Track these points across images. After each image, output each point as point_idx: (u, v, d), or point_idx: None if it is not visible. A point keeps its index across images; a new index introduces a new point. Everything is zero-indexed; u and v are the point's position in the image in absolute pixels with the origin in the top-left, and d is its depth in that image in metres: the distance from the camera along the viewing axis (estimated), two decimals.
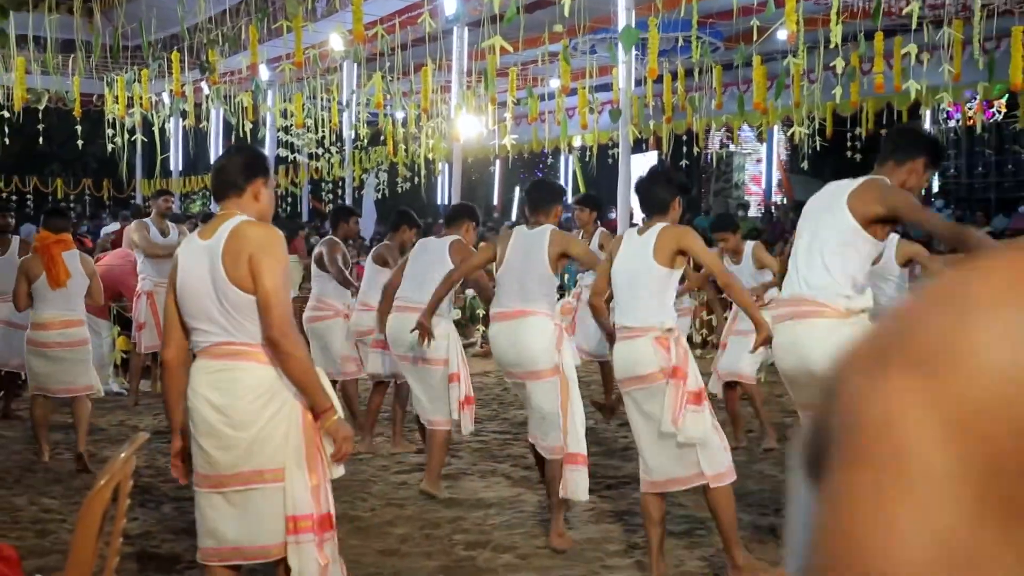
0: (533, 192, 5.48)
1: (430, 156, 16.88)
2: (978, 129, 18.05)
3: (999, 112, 17.69)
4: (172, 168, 21.57)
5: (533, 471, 6.57)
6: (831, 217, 3.84)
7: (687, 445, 4.20)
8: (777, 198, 22.64)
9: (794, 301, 3.92)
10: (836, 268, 3.77)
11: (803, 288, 3.86)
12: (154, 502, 5.85)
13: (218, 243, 3.20)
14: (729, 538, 4.28)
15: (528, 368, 5.02)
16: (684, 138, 15.92)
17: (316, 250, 7.52)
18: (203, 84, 15.47)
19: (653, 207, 4.51)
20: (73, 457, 6.56)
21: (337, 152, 18.23)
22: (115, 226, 14.38)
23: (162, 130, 17.45)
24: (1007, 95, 13.86)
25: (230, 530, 3.24)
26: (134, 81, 15.14)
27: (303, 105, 15.91)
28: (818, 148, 14.14)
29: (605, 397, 7.67)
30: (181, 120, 18.87)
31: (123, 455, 2.86)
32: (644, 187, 4.55)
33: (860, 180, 3.86)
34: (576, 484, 4.89)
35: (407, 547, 5.05)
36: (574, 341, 7.93)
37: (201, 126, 17.84)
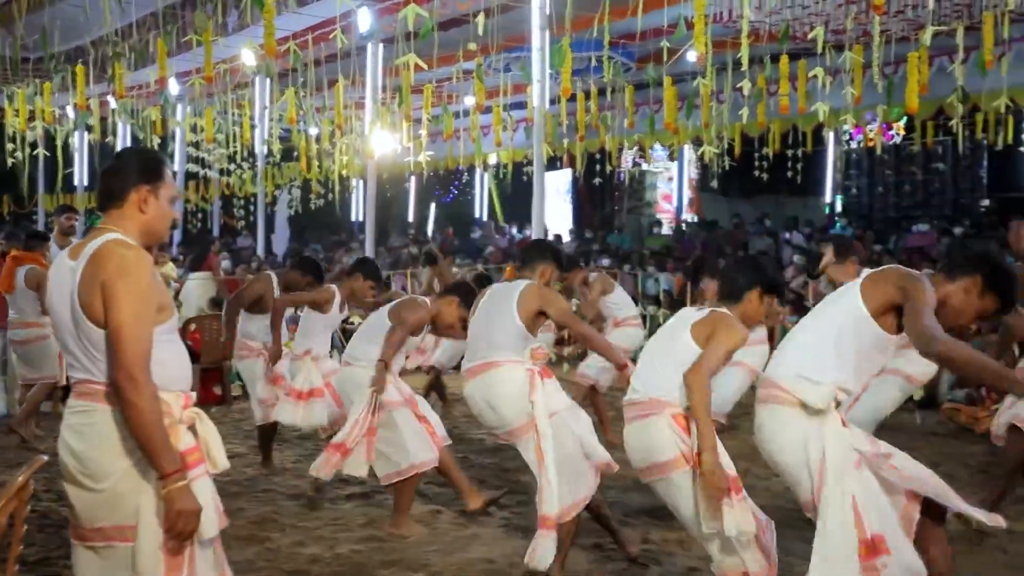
0: (524, 248, 5.46)
1: (344, 172, 16.77)
2: (878, 150, 18.64)
3: (898, 134, 18.25)
4: (76, 183, 20.99)
5: (447, 488, 6.54)
6: None
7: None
8: (688, 216, 23.00)
9: None
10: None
11: None
12: (53, 527, 5.64)
13: (79, 266, 2.74)
14: None
15: (506, 427, 4.79)
16: (597, 156, 16.08)
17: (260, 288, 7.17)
18: (109, 97, 15.12)
19: None
20: None
21: (249, 168, 17.97)
22: None
23: (65, 144, 16.96)
24: (905, 118, 14.29)
25: None
26: (36, 94, 14.74)
27: (214, 120, 15.66)
28: (727, 167, 14.40)
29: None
30: (86, 134, 18.46)
31: (19, 479, 2.76)
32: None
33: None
34: (542, 550, 4.39)
35: (318, 568, 4.97)
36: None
37: (107, 140, 17.41)
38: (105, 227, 2.83)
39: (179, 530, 2.65)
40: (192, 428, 2.82)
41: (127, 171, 2.89)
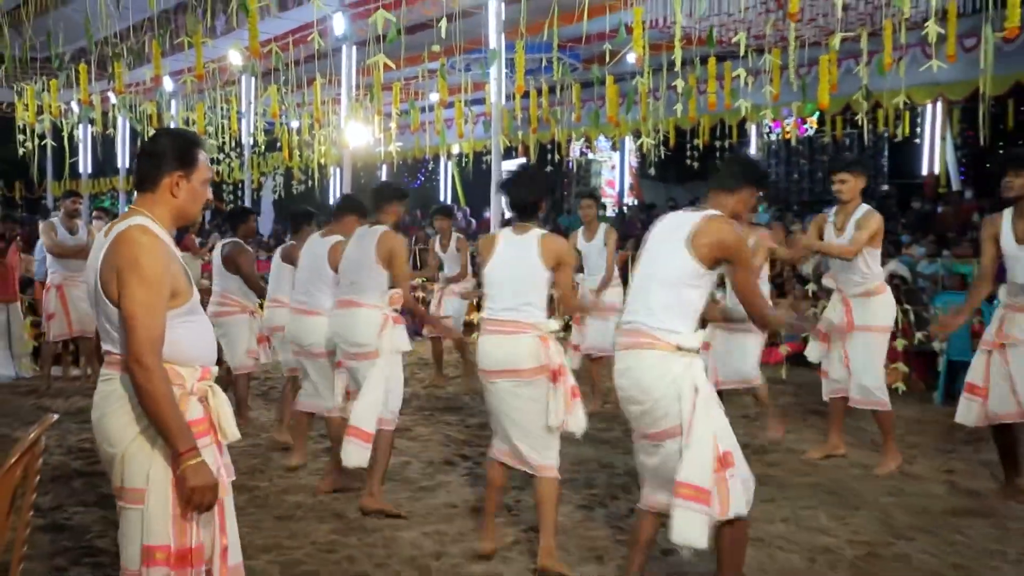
0: (373, 193, 5.37)
1: (322, 161, 16.62)
2: (793, 142, 18.79)
3: (811, 128, 18.41)
4: (81, 171, 20.65)
5: (417, 441, 6.57)
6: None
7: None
8: (629, 200, 23.10)
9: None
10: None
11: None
12: (65, 478, 5.62)
13: (103, 246, 2.63)
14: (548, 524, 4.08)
15: (357, 350, 5.03)
16: (548, 146, 16.08)
17: (224, 251, 7.15)
18: (110, 93, 14.89)
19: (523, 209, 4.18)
20: None
21: (237, 157, 17.75)
22: None
23: (71, 135, 16.68)
24: (817, 113, 14.42)
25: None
26: (43, 90, 14.52)
27: (204, 114, 15.44)
28: (663, 156, 14.46)
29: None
30: (89, 126, 18.17)
31: (32, 435, 2.75)
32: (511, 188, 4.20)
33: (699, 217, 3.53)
34: (348, 453, 4.78)
35: (301, 512, 4.99)
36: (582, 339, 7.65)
37: (108, 132, 17.10)
38: (136, 210, 2.68)
39: (196, 504, 2.56)
40: (204, 400, 2.69)
41: (161, 156, 2.69)
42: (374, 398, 4.88)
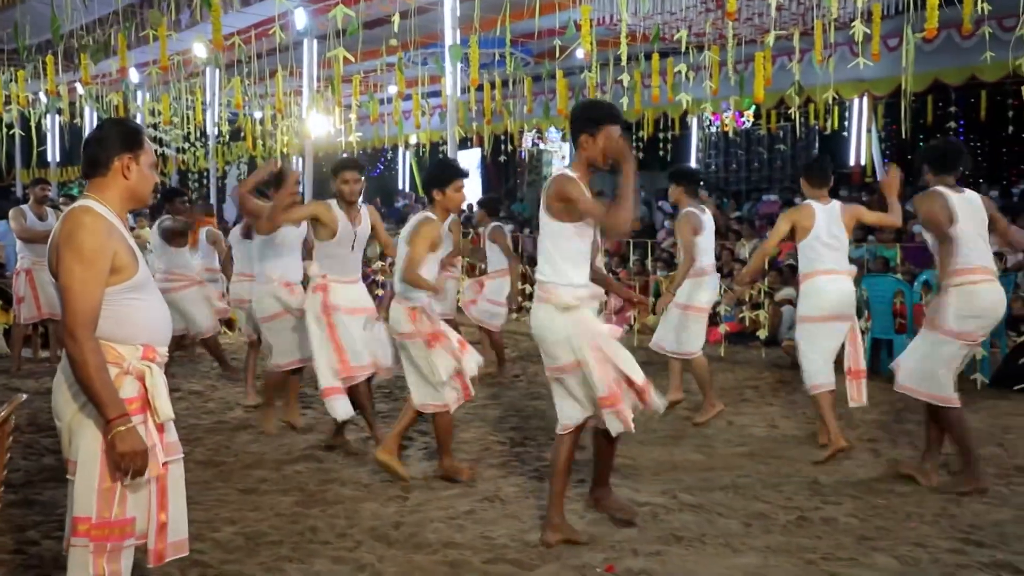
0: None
1: (285, 150, 16.41)
2: (731, 134, 18.95)
3: (748, 120, 18.56)
4: (49, 159, 20.15)
5: (378, 418, 6.54)
6: None
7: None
8: None
9: None
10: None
11: None
12: (36, 455, 5.51)
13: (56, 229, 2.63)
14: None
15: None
16: (502, 137, 16.02)
17: (165, 226, 7.20)
18: (77, 84, 14.54)
19: None
20: None
21: (202, 146, 17.47)
22: None
23: (39, 125, 16.26)
24: (753, 107, 14.55)
25: None
26: (11, 81, 14.14)
27: (170, 104, 15.15)
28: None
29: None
30: (57, 116, 17.75)
31: (2, 414, 2.70)
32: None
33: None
34: (333, 408, 5.39)
35: (266, 486, 4.95)
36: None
37: (75, 122, 16.70)
38: (85, 194, 2.66)
39: (126, 469, 2.50)
40: (142, 380, 2.61)
41: (109, 141, 2.67)
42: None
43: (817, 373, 5.46)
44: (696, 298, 6.46)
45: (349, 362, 5.27)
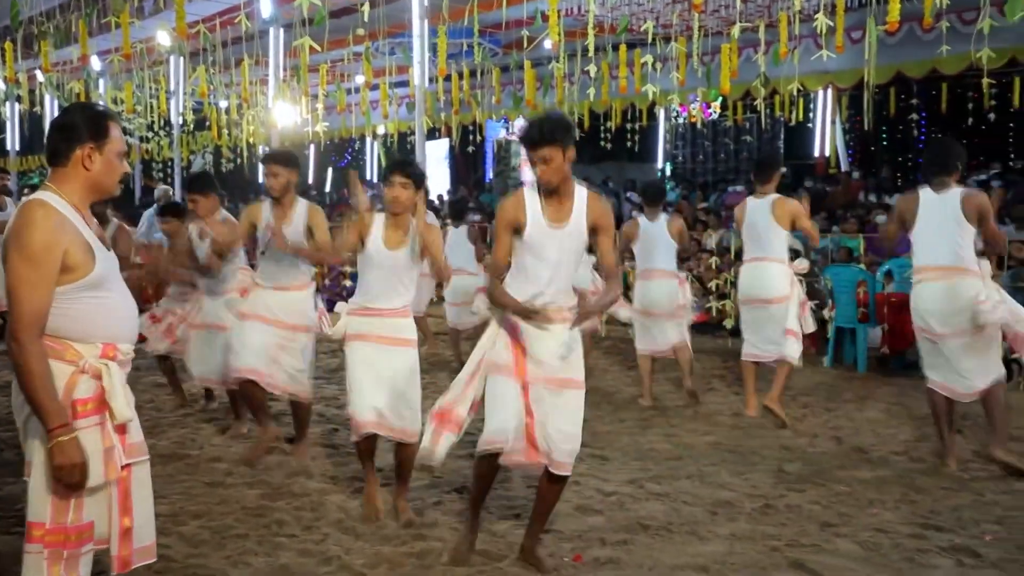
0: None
1: (251, 140, 16.22)
2: (699, 125, 19.04)
3: (715, 112, 18.66)
4: (9, 148, 19.76)
5: (344, 410, 6.50)
6: None
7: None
8: None
9: None
10: None
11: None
12: None
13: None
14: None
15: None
16: (470, 128, 15.96)
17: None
18: (37, 72, 14.24)
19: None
20: None
21: (166, 135, 17.21)
22: None
23: None
24: (719, 98, 14.62)
25: None
26: None
27: (133, 93, 14.89)
28: (578, 137, 14.43)
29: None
30: (16, 104, 17.39)
31: None
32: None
33: None
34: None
35: (232, 479, 4.90)
36: None
37: (35, 110, 16.38)
38: (46, 185, 2.51)
39: (64, 482, 2.39)
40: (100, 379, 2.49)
41: (71, 129, 2.51)
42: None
43: (745, 346, 6.43)
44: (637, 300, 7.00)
45: (232, 362, 5.07)
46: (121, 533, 2.51)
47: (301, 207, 5.11)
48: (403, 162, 4.31)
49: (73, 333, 2.48)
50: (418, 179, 4.20)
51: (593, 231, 3.58)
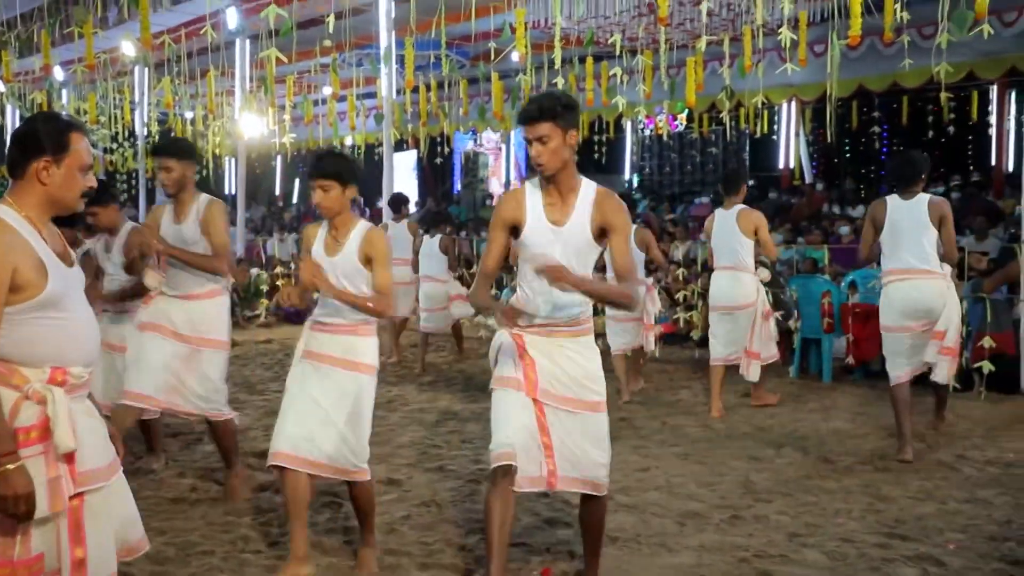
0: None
1: (217, 152, 16.08)
2: (665, 137, 19.19)
3: (681, 124, 18.82)
4: None
5: None
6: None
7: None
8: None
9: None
10: None
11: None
12: None
13: None
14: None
15: None
16: (438, 139, 15.95)
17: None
18: None
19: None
20: None
21: (130, 147, 17.02)
22: None
23: None
24: (685, 110, 14.75)
25: None
26: None
27: (96, 104, 14.70)
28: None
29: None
30: None
31: None
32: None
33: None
34: None
35: (196, 495, 4.82)
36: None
37: None
38: (4, 198, 2.37)
39: (10, 513, 2.23)
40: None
41: (28, 142, 2.37)
42: None
43: (713, 351, 6.91)
44: None
45: (125, 383, 4.52)
46: (74, 565, 2.33)
47: (200, 204, 4.58)
48: (317, 162, 3.68)
49: (21, 356, 2.33)
50: (340, 176, 3.60)
51: (602, 232, 3.21)
